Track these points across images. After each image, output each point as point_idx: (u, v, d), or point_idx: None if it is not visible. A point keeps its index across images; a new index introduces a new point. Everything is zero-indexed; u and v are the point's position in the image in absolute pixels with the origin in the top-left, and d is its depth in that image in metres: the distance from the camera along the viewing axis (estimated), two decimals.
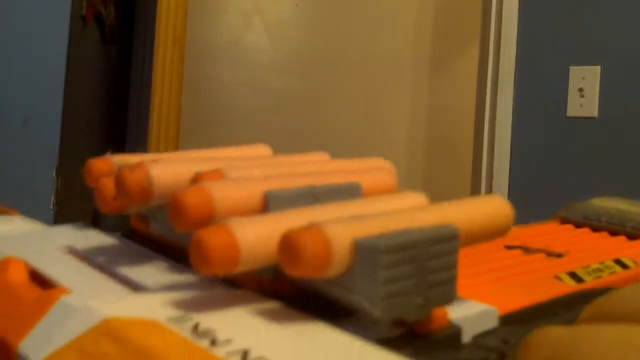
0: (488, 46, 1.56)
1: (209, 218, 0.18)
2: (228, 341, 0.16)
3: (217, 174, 0.20)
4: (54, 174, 1.20)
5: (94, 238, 0.27)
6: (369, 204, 0.20)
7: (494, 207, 0.21)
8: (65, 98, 1.20)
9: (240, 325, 0.17)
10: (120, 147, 1.66)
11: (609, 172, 1.40)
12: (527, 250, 0.31)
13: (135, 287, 0.21)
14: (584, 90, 1.43)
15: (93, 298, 0.18)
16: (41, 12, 1.17)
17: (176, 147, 1.66)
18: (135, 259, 0.24)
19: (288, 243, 0.17)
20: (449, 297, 0.19)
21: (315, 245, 0.17)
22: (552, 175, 1.47)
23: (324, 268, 0.17)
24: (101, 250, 0.25)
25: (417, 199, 0.21)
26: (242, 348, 0.16)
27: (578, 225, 0.37)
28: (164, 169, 0.21)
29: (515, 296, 0.23)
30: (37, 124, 1.18)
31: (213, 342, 0.16)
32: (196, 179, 0.20)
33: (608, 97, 1.41)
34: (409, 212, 0.19)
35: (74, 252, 0.25)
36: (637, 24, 1.37)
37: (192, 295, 0.19)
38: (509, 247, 0.31)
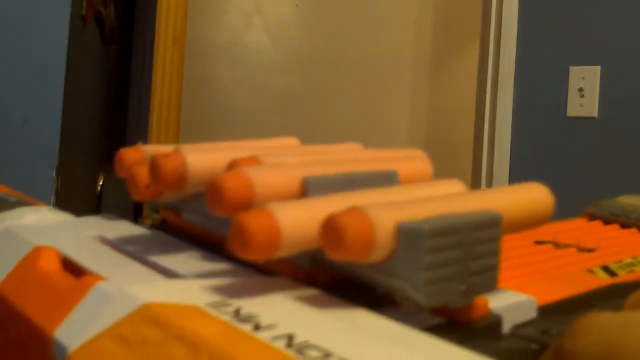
0: (488, 46, 1.56)
1: (248, 202, 0.18)
2: (272, 326, 0.16)
3: (254, 160, 0.20)
4: (54, 174, 1.19)
5: (124, 228, 0.27)
6: (408, 190, 0.20)
7: (534, 194, 0.20)
8: (65, 98, 1.20)
9: (282, 310, 0.17)
10: (120, 147, 1.65)
11: (609, 172, 1.40)
12: (558, 245, 0.31)
13: (169, 274, 0.21)
14: (584, 90, 1.43)
15: (128, 285, 0.18)
16: (41, 12, 1.17)
17: None
18: (167, 248, 0.23)
19: (331, 226, 0.17)
20: (491, 285, 0.18)
21: (359, 228, 0.16)
22: (552, 175, 1.47)
23: (366, 252, 0.17)
24: (132, 239, 0.24)
25: (455, 186, 0.21)
26: (287, 333, 0.15)
27: (607, 222, 0.38)
28: (200, 155, 0.20)
29: (552, 288, 0.23)
30: (37, 124, 1.18)
31: (257, 327, 0.16)
32: (232, 165, 0.20)
33: (608, 97, 1.41)
34: (451, 197, 0.19)
35: (105, 242, 0.24)
36: (637, 24, 1.37)
37: (230, 282, 0.19)
38: (539, 242, 0.31)
